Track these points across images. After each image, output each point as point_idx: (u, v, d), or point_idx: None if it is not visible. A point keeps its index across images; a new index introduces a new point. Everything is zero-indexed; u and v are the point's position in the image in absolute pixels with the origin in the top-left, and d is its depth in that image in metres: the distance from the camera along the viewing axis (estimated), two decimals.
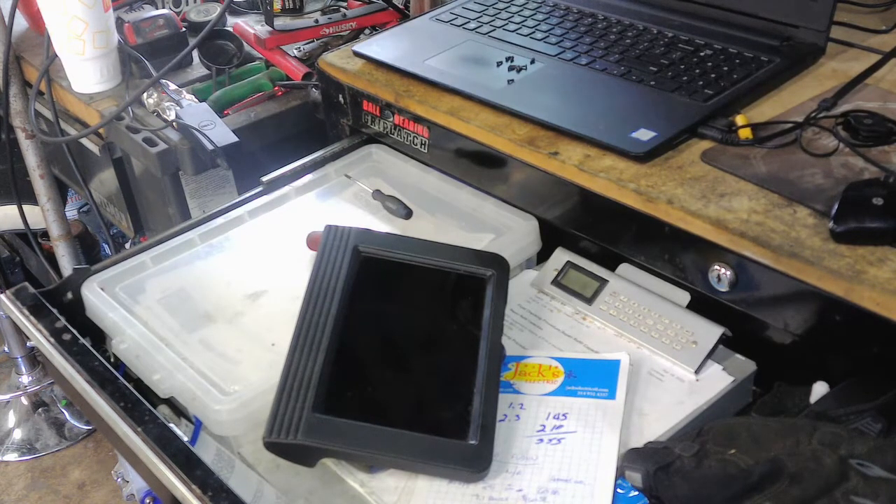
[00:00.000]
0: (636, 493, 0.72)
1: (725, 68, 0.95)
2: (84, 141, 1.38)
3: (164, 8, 1.55)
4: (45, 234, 1.72)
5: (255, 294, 0.96)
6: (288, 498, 0.79)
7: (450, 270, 0.87)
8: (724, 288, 0.79)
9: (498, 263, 0.87)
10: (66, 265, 1.68)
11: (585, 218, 0.90)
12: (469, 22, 1.13)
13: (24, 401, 1.96)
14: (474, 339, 0.81)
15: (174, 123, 1.24)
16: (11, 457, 1.91)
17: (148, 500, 1.04)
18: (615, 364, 0.83)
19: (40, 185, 1.57)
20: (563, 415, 0.79)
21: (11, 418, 1.96)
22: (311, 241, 1.00)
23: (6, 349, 1.90)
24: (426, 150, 1.05)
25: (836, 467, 0.64)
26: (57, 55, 1.35)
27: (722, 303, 0.81)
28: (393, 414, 0.76)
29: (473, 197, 1.04)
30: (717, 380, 0.83)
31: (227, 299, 0.95)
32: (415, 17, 1.22)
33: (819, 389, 0.79)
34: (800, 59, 0.98)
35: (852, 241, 0.72)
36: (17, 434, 1.95)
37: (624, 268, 0.95)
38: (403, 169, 1.11)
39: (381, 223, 1.04)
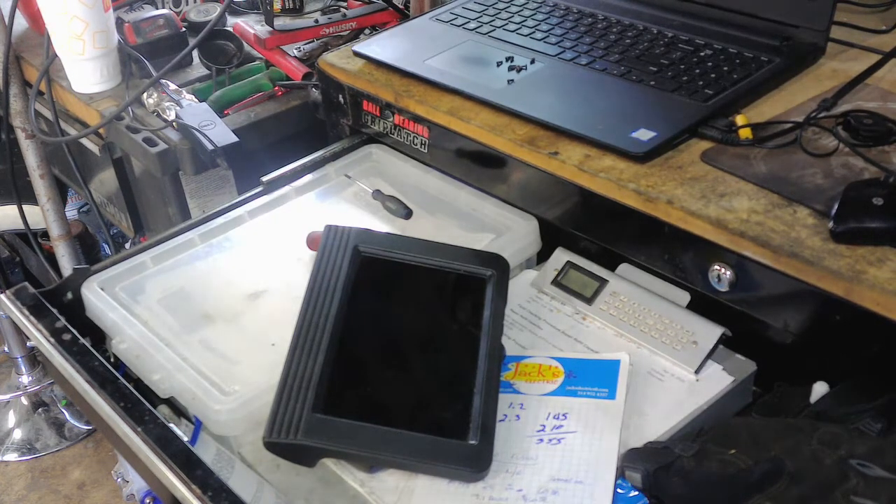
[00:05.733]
0: (636, 493, 0.72)
1: (725, 68, 0.95)
2: (84, 141, 1.38)
3: (164, 8, 1.55)
4: (45, 234, 1.72)
5: (255, 294, 0.96)
6: (288, 498, 0.79)
7: (450, 270, 0.87)
8: (724, 288, 0.79)
9: (498, 263, 0.87)
10: (66, 265, 1.68)
11: (585, 218, 0.90)
12: (469, 22, 1.13)
13: (24, 401, 1.96)
14: (474, 339, 0.81)
15: (174, 123, 1.24)
16: (11, 457, 1.91)
17: (148, 500, 1.04)
18: (615, 364, 0.83)
19: (40, 185, 1.57)
20: (563, 415, 0.79)
21: (11, 418, 1.96)
22: (311, 241, 1.00)
23: (6, 349, 1.90)
24: (426, 150, 1.05)
25: (836, 467, 0.64)
26: (57, 55, 1.35)
27: (722, 303, 0.81)
28: (393, 414, 0.76)
29: (473, 197, 1.04)
30: (717, 380, 0.83)
31: (227, 299, 0.95)
32: (415, 17, 1.22)
33: (819, 389, 0.79)
34: (800, 59, 0.98)
35: (852, 241, 0.72)
36: (17, 434, 1.95)
37: (624, 268, 0.95)
38: (403, 169, 1.11)
39: (381, 223, 1.04)
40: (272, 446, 0.73)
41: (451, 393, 0.78)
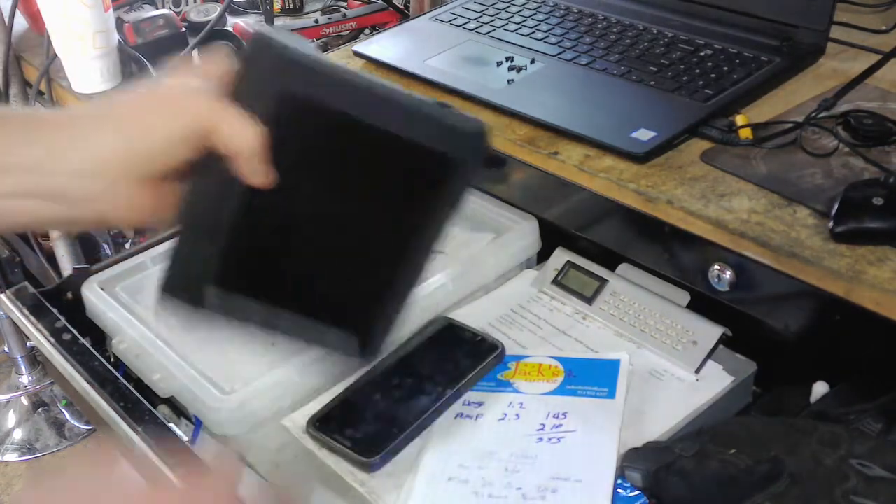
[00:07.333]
0: (636, 492, 0.72)
1: (725, 68, 0.95)
2: None
3: (164, 8, 1.55)
4: (45, 233, 1.72)
5: None
6: (288, 498, 0.79)
7: (407, 140, 0.62)
8: (724, 288, 0.79)
9: (474, 148, 0.65)
10: (66, 265, 1.68)
11: (585, 218, 0.90)
12: (469, 22, 1.13)
13: (24, 401, 1.96)
14: (409, 231, 0.66)
15: None
16: (11, 457, 1.91)
17: None
18: (615, 364, 0.83)
19: None
20: (563, 414, 0.79)
21: (11, 418, 1.96)
22: None
23: (6, 349, 1.90)
24: None
25: (836, 467, 0.64)
26: (57, 55, 1.35)
27: (722, 303, 0.81)
28: (291, 295, 0.67)
29: (473, 197, 1.04)
30: (717, 380, 0.83)
31: None
32: (415, 17, 1.22)
33: (819, 389, 0.79)
34: (800, 59, 0.98)
35: (852, 241, 0.72)
36: (17, 434, 1.95)
37: (624, 268, 0.95)
38: None
39: None
40: (166, 299, 0.66)
41: (361, 281, 0.67)
